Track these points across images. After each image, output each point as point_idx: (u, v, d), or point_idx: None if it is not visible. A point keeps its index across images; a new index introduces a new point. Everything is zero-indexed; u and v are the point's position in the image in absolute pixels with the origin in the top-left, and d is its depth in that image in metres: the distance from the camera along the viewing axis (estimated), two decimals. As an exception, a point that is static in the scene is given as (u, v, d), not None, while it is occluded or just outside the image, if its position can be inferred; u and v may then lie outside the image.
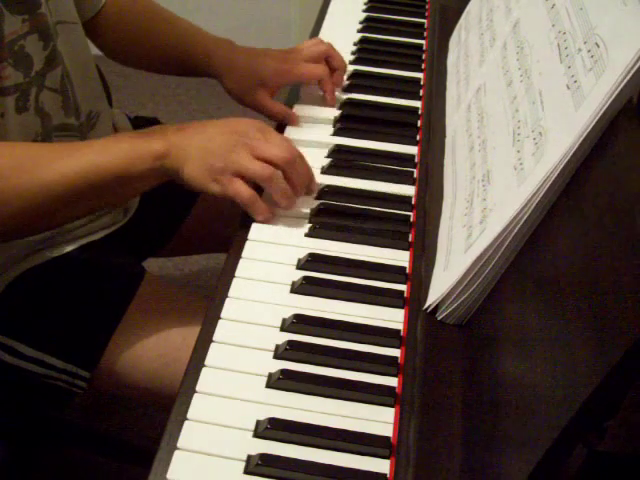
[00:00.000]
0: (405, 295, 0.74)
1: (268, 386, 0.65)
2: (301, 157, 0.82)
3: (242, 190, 0.78)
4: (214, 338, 0.68)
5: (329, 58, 1.01)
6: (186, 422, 0.61)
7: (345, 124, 0.96)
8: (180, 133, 0.78)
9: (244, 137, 0.78)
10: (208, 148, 0.77)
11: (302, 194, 0.83)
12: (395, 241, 0.79)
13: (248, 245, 0.78)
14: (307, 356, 0.67)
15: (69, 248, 0.92)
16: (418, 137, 0.95)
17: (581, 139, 0.58)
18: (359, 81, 1.05)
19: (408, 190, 0.87)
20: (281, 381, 0.64)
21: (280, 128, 0.96)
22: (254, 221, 0.80)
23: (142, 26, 1.05)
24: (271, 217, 0.81)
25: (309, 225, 0.80)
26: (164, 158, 0.76)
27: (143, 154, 0.76)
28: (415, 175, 0.89)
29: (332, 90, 1.00)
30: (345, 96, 1.02)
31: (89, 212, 0.87)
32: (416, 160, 0.91)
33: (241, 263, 0.76)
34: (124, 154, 0.76)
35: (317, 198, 0.84)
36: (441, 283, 0.69)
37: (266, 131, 0.81)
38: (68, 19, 0.92)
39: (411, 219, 0.82)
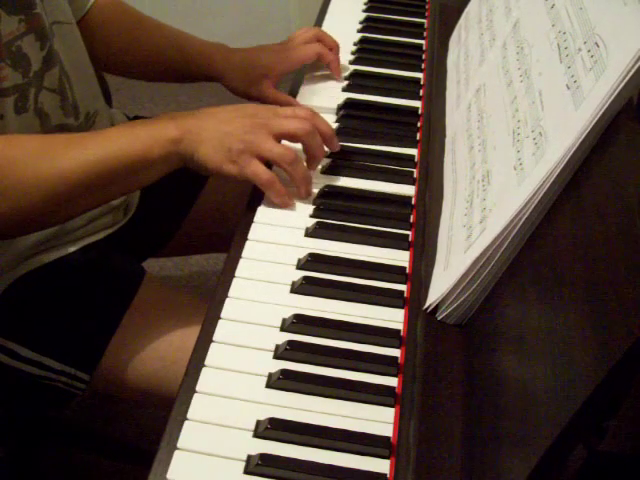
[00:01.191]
0: (405, 295, 0.74)
1: (268, 386, 0.65)
2: (317, 116, 0.84)
3: (261, 171, 0.78)
4: (214, 338, 0.68)
5: (321, 41, 1.05)
6: (186, 422, 0.61)
7: (345, 124, 0.96)
8: (193, 118, 0.79)
9: (258, 118, 0.79)
10: (225, 130, 0.78)
11: (320, 161, 0.85)
12: (395, 241, 0.79)
13: (248, 245, 0.78)
14: (307, 356, 0.67)
15: (69, 250, 0.92)
16: (418, 137, 0.95)
17: (581, 139, 0.58)
18: (359, 81, 1.05)
19: (408, 190, 0.87)
20: (281, 381, 0.64)
21: None
22: (254, 222, 0.80)
23: (130, 35, 1.05)
24: (289, 202, 0.81)
25: (309, 225, 0.80)
26: (179, 143, 0.76)
27: (159, 139, 0.76)
28: (415, 175, 0.89)
29: (335, 60, 1.04)
30: (345, 96, 1.02)
31: (107, 200, 0.87)
32: (416, 160, 0.91)
33: (241, 263, 0.76)
34: (140, 140, 0.76)
35: (317, 198, 0.84)
36: (441, 283, 0.69)
37: (280, 110, 0.82)
38: (63, 19, 0.92)
39: (411, 219, 0.82)
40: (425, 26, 1.20)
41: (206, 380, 0.65)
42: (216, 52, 1.03)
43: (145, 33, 1.06)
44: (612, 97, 0.56)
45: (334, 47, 1.06)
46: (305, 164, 0.83)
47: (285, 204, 0.82)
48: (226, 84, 1.04)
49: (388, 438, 0.61)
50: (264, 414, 0.62)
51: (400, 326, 0.70)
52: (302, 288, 0.73)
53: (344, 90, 1.04)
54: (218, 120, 0.79)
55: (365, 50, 1.13)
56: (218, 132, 0.77)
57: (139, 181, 0.81)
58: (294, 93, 1.03)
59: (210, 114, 0.80)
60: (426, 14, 1.23)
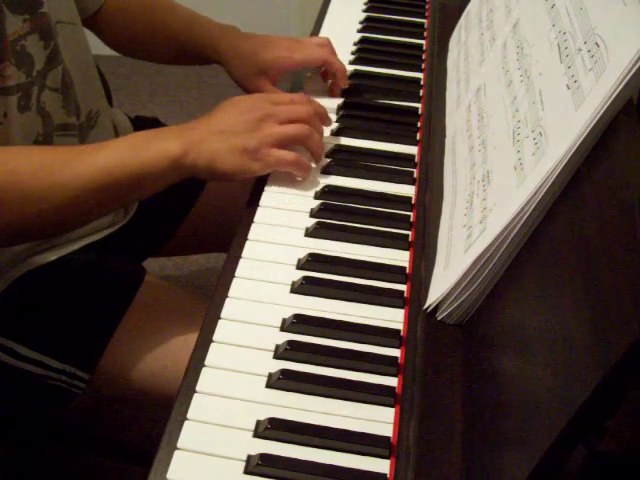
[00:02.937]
0: (405, 295, 0.74)
1: (268, 386, 0.65)
2: (312, 99, 0.88)
3: (284, 155, 0.80)
4: (214, 338, 0.68)
5: (328, 66, 1.02)
6: (186, 422, 0.61)
7: (345, 124, 0.96)
8: (194, 131, 0.78)
9: (258, 110, 0.80)
10: (232, 133, 0.78)
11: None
12: (395, 241, 0.79)
13: (248, 245, 0.78)
14: (307, 356, 0.67)
15: (69, 249, 0.92)
16: (418, 137, 0.95)
17: (581, 139, 0.58)
18: (359, 81, 1.05)
19: (408, 190, 0.87)
20: (281, 381, 0.64)
21: None
22: (254, 222, 0.80)
23: (146, 17, 1.05)
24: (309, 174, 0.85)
25: (309, 225, 0.80)
26: (182, 158, 0.76)
27: (160, 156, 0.75)
28: (415, 175, 0.89)
29: (341, 71, 1.01)
30: (345, 96, 1.02)
31: (108, 212, 0.87)
32: (416, 160, 0.91)
33: (241, 263, 0.76)
34: (141, 157, 0.75)
35: (317, 198, 0.84)
36: (441, 283, 0.69)
37: (274, 97, 0.84)
38: (67, 19, 0.92)
39: (411, 219, 0.82)
40: (425, 26, 1.20)
41: (206, 380, 0.65)
42: (223, 37, 1.02)
43: (159, 16, 1.06)
44: (612, 97, 0.56)
45: (341, 71, 1.03)
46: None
47: (308, 175, 0.85)
48: (228, 71, 1.03)
49: (388, 438, 0.61)
50: (264, 414, 0.62)
51: (400, 326, 0.70)
52: (302, 288, 0.73)
53: (344, 90, 1.04)
54: (222, 125, 0.78)
55: (365, 50, 1.13)
56: (227, 136, 0.77)
57: (140, 195, 0.81)
58: (296, 91, 1.03)
59: (210, 123, 0.79)
60: (426, 14, 1.23)
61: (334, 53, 1.02)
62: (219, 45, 1.01)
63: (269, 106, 0.81)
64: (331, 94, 1.02)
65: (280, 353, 0.67)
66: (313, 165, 0.86)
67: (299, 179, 0.85)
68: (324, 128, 0.90)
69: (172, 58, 1.10)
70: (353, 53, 1.12)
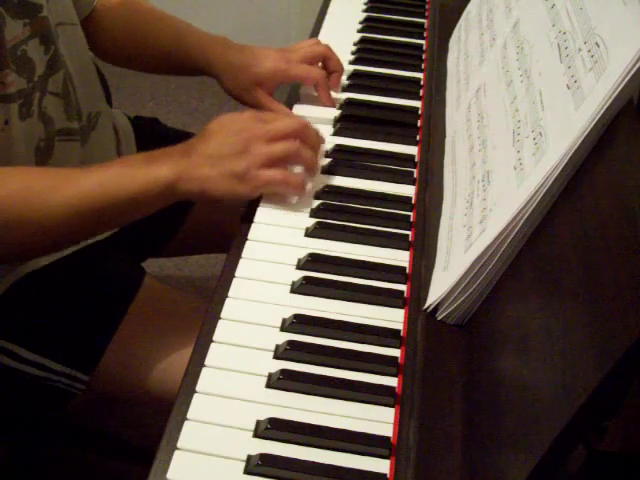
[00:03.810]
0: (405, 295, 0.74)
1: (268, 386, 0.65)
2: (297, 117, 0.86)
3: (273, 174, 0.78)
4: (214, 338, 0.68)
5: (326, 60, 1.01)
6: (186, 422, 0.61)
7: (345, 124, 0.96)
8: (186, 157, 0.77)
9: (247, 132, 0.79)
10: (221, 158, 0.77)
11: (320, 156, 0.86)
12: (395, 241, 0.79)
13: (248, 245, 0.78)
14: (307, 356, 0.67)
15: (70, 251, 0.92)
16: (418, 137, 0.95)
17: (581, 139, 0.58)
18: (359, 81, 1.05)
19: (408, 190, 0.87)
20: (281, 381, 0.64)
21: None
22: (254, 222, 0.80)
23: (135, 26, 1.04)
24: (305, 189, 0.82)
25: (309, 225, 0.80)
26: (175, 184, 0.76)
27: (151, 182, 0.76)
28: (415, 175, 0.89)
29: (328, 94, 1.00)
30: (345, 96, 1.02)
31: (99, 234, 0.88)
32: (416, 160, 0.91)
33: (241, 263, 0.76)
34: (136, 182, 0.76)
35: (317, 198, 0.84)
36: (441, 283, 0.69)
37: (262, 116, 0.82)
38: (67, 20, 0.92)
39: (411, 219, 0.82)
40: (425, 26, 1.20)
41: (206, 380, 0.65)
42: (214, 49, 1.00)
43: (149, 25, 1.04)
44: (612, 97, 0.56)
45: (337, 70, 1.02)
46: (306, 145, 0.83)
47: (303, 192, 0.82)
48: (221, 83, 1.01)
49: (388, 438, 0.61)
50: (264, 414, 0.62)
51: (400, 326, 0.70)
52: (302, 288, 0.73)
53: (344, 90, 1.04)
54: (212, 150, 0.77)
55: (365, 50, 1.13)
56: (217, 161, 0.76)
57: (131, 218, 0.81)
58: (294, 92, 1.03)
59: (200, 147, 0.78)
60: (426, 14, 1.23)
61: (331, 60, 1.00)
62: (209, 58, 1.00)
63: (257, 125, 0.80)
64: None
65: (280, 353, 0.67)
66: (309, 186, 0.84)
67: (294, 202, 0.82)
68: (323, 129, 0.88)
69: (162, 68, 1.09)
70: (353, 53, 1.12)
